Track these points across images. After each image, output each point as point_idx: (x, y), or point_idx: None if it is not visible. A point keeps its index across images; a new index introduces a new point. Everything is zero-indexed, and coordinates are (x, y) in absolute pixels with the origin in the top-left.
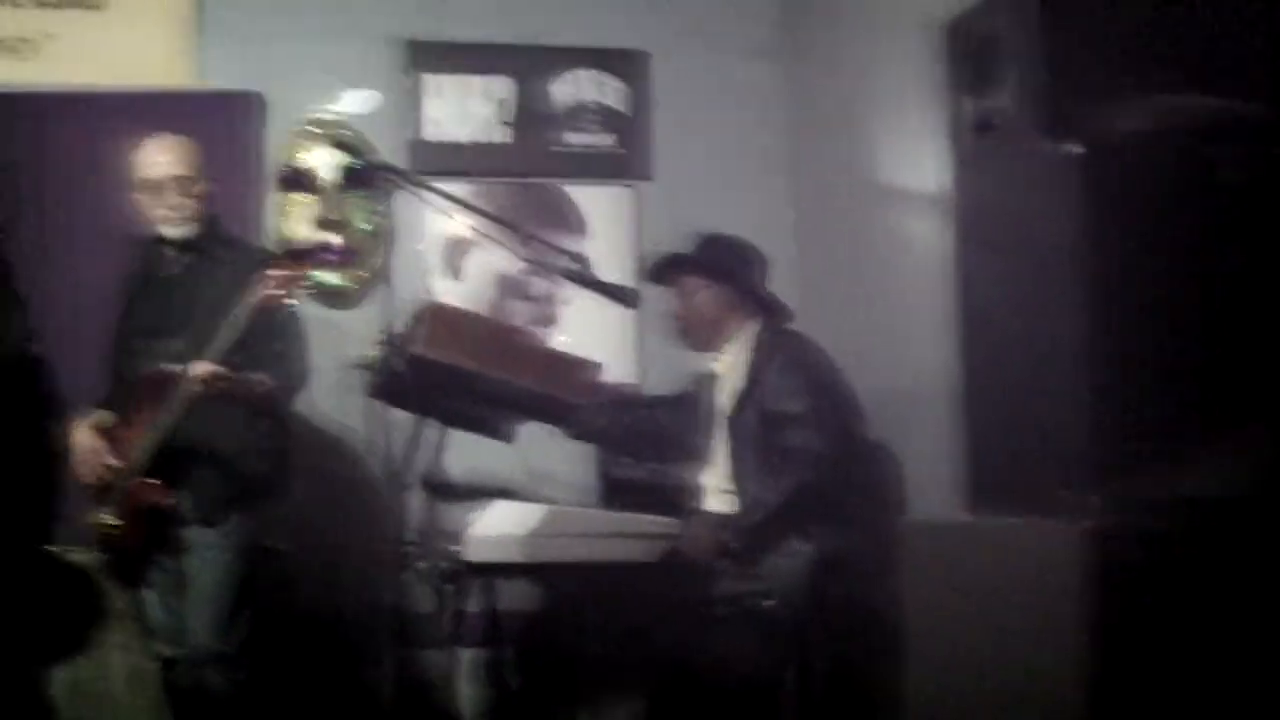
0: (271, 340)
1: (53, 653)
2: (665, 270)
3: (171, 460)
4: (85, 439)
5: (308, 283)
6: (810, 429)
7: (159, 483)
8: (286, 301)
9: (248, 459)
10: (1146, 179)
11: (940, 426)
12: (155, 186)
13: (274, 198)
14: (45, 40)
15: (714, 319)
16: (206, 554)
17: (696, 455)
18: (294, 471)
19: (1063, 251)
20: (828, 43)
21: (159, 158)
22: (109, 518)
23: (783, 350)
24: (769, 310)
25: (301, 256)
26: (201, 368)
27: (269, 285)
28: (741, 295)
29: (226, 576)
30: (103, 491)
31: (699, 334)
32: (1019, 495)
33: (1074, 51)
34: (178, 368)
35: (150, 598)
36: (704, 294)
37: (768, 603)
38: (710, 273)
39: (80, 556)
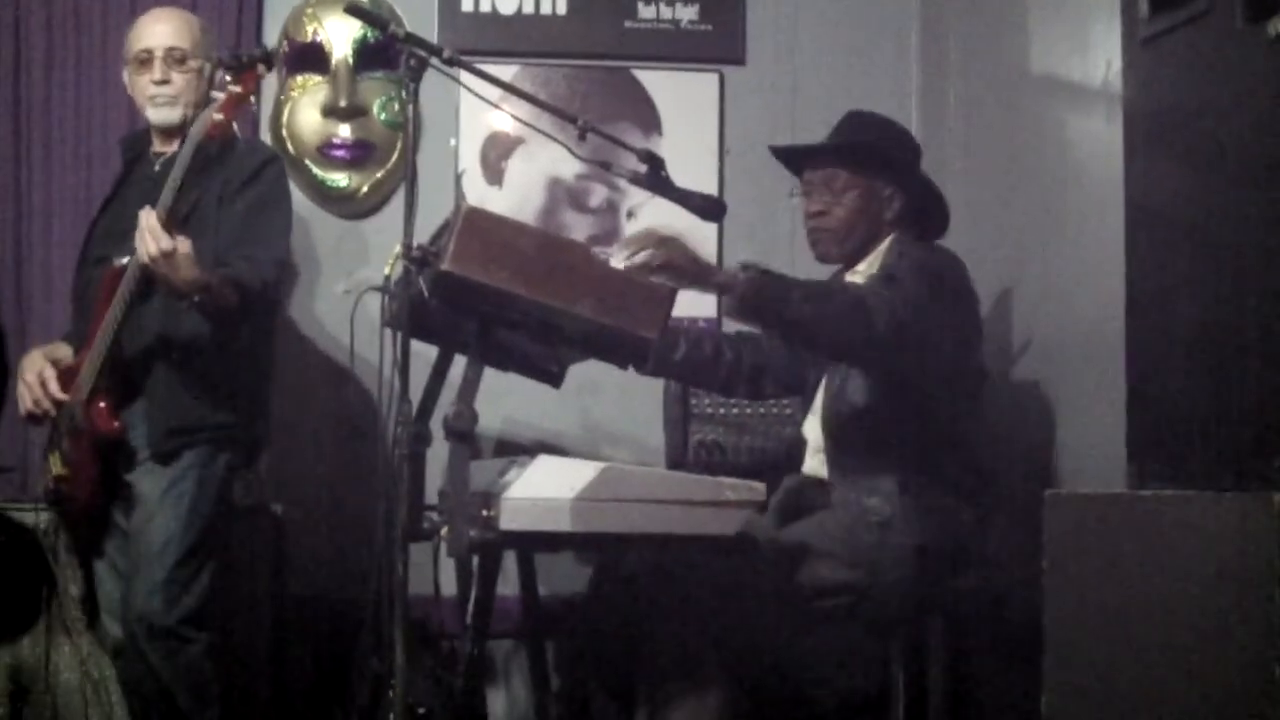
0: (248, 237)
1: None
2: (810, 160)
3: (122, 380)
4: (32, 365)
5: (253, 101)
6: (906, 295)
7: (105, 405)
8: (232, 129)
9: (210, 377)
10: None
11: (1102, 377)
12: (146, 60)
13: (278, 80)
14: None
15: (862, 225)
16: (155, 499)
17: (787, 386)
18: (286, 413)
19: (1257, 158)
20: None
21: (154, 28)
22: (56, 463)
23: (916, 254)
24: (922, 217)
25: (246, 65)
26: (146, 218)
27: (214, 110)
28: (901, 196)
29: (177, 528)
30: (51, 431)
31: (841, 243)
32: (1198, 464)
33: None
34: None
35: (101, 567)
36: (854, 194)
37: (871, 592)
38: (868, 166)
39: (29, 515)
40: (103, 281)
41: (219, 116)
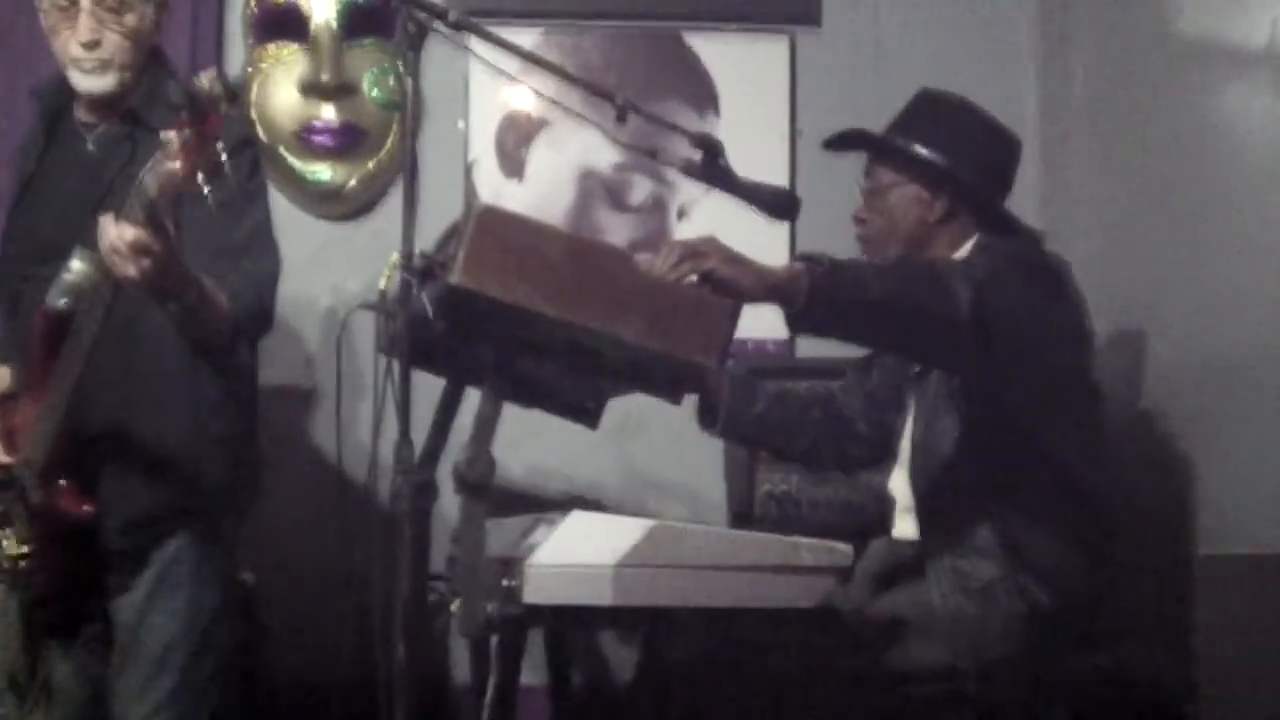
0: (223, 246)
1: None
2: (859, 147)
3: (85, 448)
4: None
5: (217, 152)
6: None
7: (66, 483)
8: (196, 183)
9: (200, 437)
10: None
11: (1258, 414)
12: (70, 6)
13: (245, 50)
14: None
15: (907, 232)
16: (143, 592)
17: (876, 447)
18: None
19: None
20: None
21: None
22: (10, 541)
23: (1000, 246)
24: (1002, 226)
25: (206, 107)
26: (116, 233)
27: (166, 158)
28: (958, 207)
29: (177, 629)
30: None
31: (881, 248)
32: None
33: None
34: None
35: (64, 669)
36: (897, 194)
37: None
38: (912, 168)
39: None
40: (43, 326)
41: (173, 167)
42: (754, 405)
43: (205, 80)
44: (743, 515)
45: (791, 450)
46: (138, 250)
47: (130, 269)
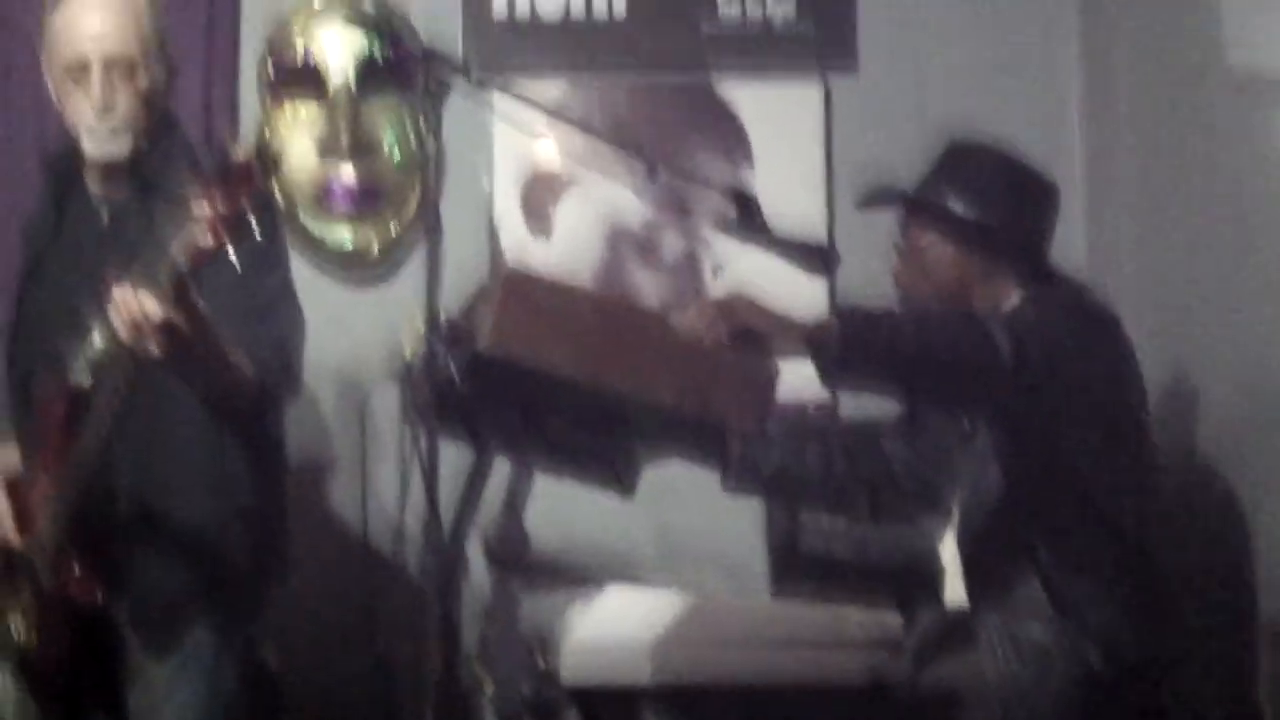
0: (244, 309)
1: None
2: (900, 206)
3: (97, 533)
4: None
5: (248, 222)
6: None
7: (77, 570)
8: (227, 253)
9: (223, 515)
10: None
11: None
12: (80, 70)
13: (260, 107)
14: None
15: (946, 289)
16: (161, 678)
17: (927, 510)
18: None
19: None
20: None
21: (88, 22)
22: (18, 624)
23: (1045, 293)
24: (1044, 279)
25: (239, 177)
26: (138, 307)
27: (196, 229)
28: (1007, 260)
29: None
30: (6, 582)
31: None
32: None
33: None
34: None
35: None
36: (932, 254)
37: None
38: (944, 227)
39: None
40: (63, 403)
41: (204, 238)
42: (767, 461)
43: (241, 149)
44: (786, 586)
45: (813, 501)
46: (164, 326)
47: (153, 345)
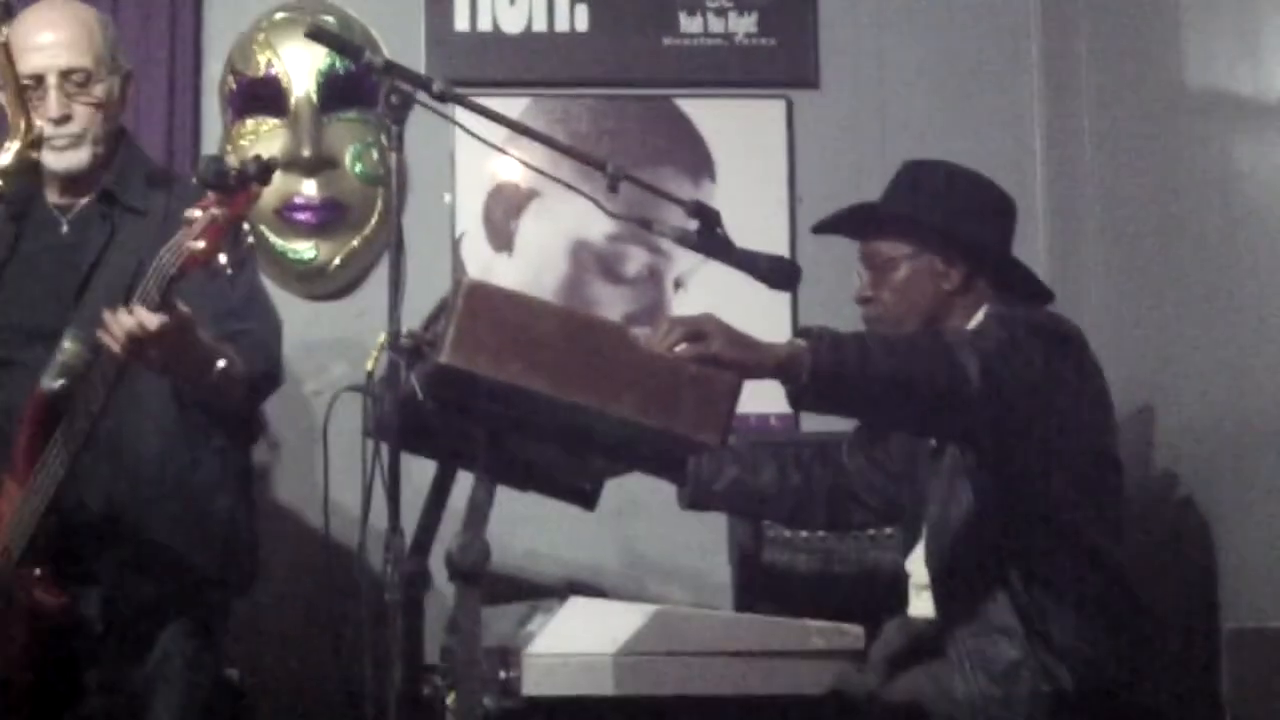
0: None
1: None
2: (853, 226)
3: (69, 537)
4: None
5: (246, 232)
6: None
7: (39, 573)
8: (218, 261)
9: (196, 519)
10: None
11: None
12: (34, 83)
13: (221, 121)
14: None
15: (921, 304)
16: (135, 684)
17: (888, 523)
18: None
19: None
20: None
21: (43, 34)
22: None
23: (1012, 314)
24: (1012, 289)
25: (236, 185)
26: (135, 322)
27: (190, 236)
28: (975, 272)
29: None
30: None
31: (898, 325)
32: None
33: None
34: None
35: None
36: (909, 267)
37: None
38: (922, 237)
39: None
40: (34, 409)
41: (198, 245)
42: (720, 478)
43: (238, 159)
44: (749, 598)
45: (773, 515)
46: (161, 336)
47: (153, 355)
